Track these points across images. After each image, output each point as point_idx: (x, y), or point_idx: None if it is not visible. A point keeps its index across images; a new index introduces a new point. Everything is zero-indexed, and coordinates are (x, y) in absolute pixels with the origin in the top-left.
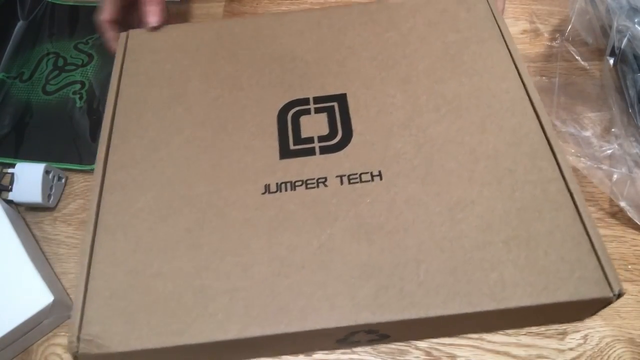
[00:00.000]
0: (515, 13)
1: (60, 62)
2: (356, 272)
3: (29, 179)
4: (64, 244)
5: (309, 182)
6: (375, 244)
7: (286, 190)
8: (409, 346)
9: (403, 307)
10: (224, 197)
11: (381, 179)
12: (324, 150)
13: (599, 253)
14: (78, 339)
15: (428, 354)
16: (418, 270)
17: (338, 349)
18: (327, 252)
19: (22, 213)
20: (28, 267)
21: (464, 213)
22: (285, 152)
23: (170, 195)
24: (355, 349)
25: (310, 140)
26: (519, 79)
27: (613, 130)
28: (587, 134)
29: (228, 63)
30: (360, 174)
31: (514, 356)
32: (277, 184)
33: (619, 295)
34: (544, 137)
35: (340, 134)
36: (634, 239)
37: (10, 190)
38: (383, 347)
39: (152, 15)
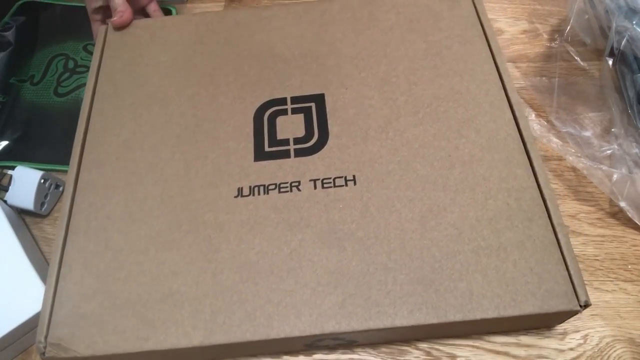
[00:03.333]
0: (515, 13)
1: (71, 64)
2: (324, 280)
3: (25, 184)
4: None
5: (282, 186)
6: (345, 250)
7: (259, 194)
8: (409, 346)
9: (368, 317)
10: (196, 200)
11: (355, 183)
12: (299, 153)
13: (569, 263)
14: (46, 341)
15: (428, 353)
16: (386, 279)
17: (307, 350)
18: (297, 259)
19: (21, 213)
20: (27, 268)
21: (435, 221)
22: (260, 154)
23: (143, 196)
24: (355, 349)
25: (285, 142)
26: (499, 80)
27: (613, 130)
28: (587, 134)
29: (206, 59)
30: (334, 178)
31: (514, 356)
32: (250, 187)
33: (586, 306)
34: (521, 142)
35: (316, 136)
36: (634, 239)
37: (7, 191)
38: (383, 347)
39: (114, 16)
